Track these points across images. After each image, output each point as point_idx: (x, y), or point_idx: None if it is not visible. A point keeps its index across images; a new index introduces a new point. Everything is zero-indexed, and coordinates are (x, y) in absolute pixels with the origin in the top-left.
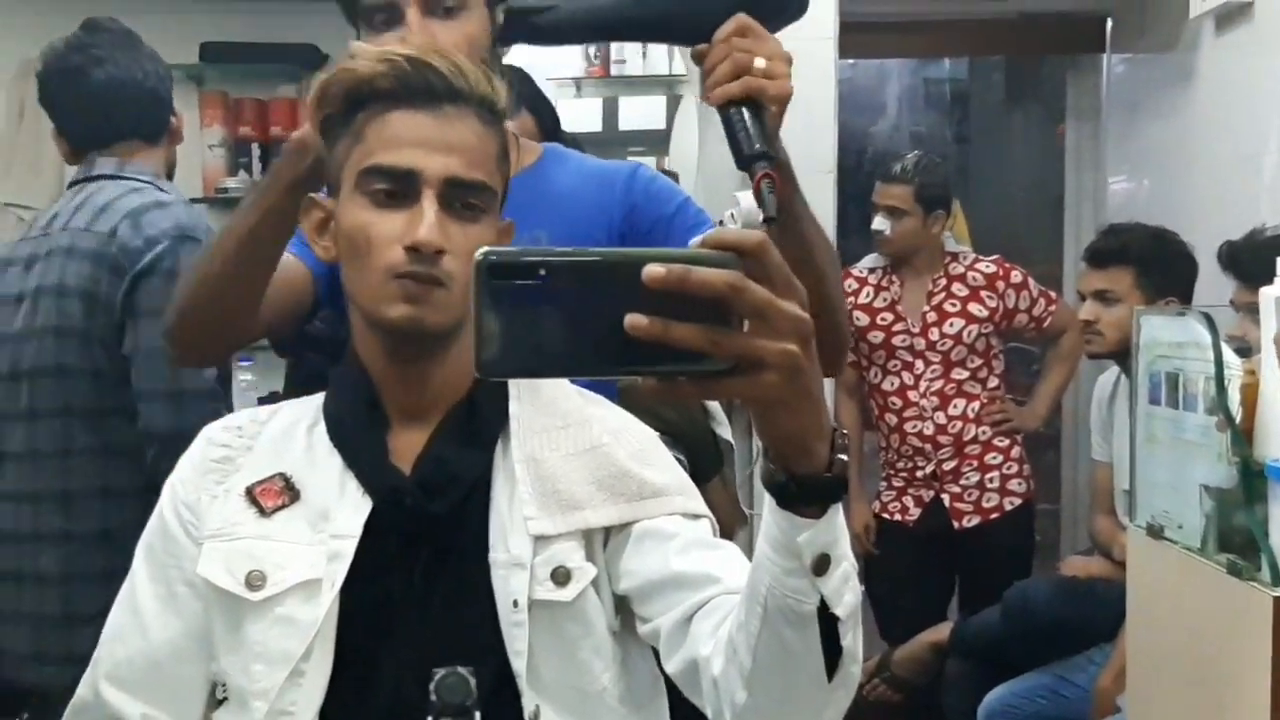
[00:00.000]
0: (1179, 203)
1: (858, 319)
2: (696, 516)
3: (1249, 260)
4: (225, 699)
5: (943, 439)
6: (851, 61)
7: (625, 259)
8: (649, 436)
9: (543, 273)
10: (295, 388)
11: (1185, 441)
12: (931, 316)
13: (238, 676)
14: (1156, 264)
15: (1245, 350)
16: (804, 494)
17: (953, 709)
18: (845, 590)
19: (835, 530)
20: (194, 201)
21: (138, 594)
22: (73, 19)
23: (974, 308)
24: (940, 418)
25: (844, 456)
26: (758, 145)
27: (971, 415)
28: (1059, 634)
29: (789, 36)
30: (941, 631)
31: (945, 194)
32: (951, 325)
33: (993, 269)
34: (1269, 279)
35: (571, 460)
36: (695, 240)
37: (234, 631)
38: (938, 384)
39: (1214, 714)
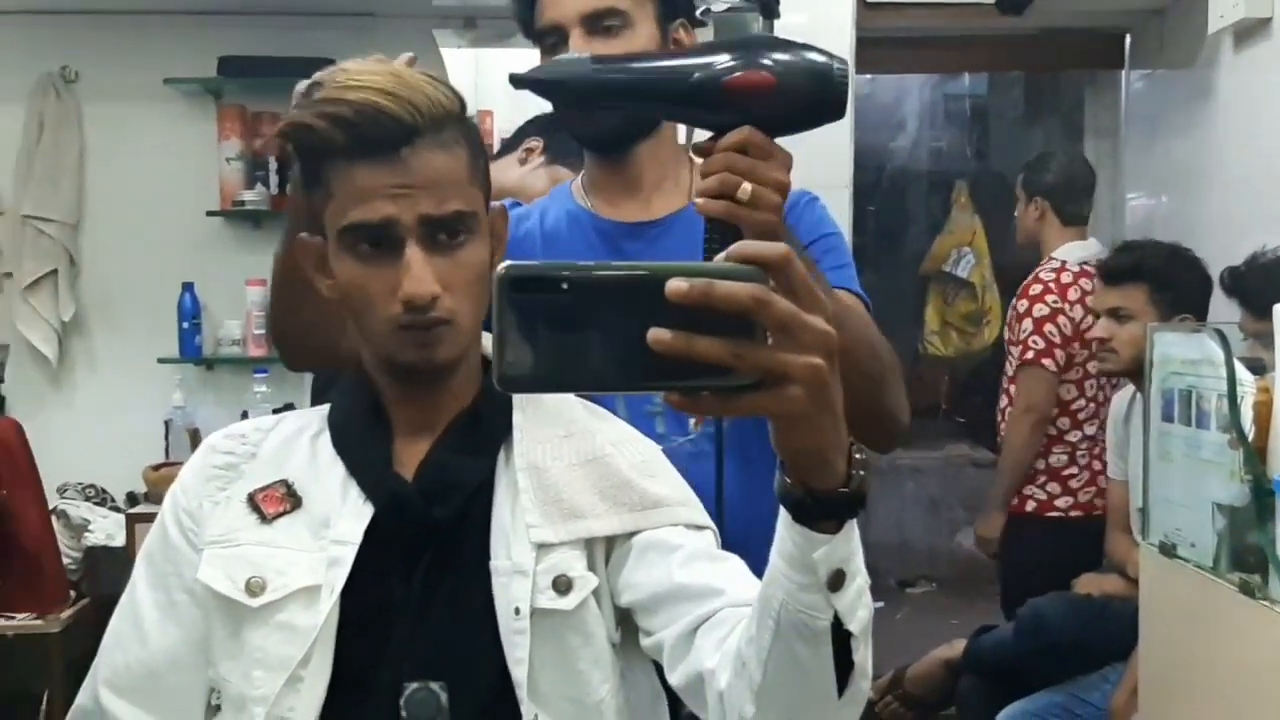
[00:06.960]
0: (1197, 220)
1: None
2: (700, 528)
3: (1252, 285)
4: (220, 705)
5: None
6: (870, 77)
7: (649, 272)
8: (652, 449)
9: (565, 286)
10: (319, 397)
11: (1199, 459)
12: None
13: (237, 682)
14: (1170, 281)
15: (1259, 367)
16: (822, 509)
17: None
18: (859, 606)
19: (851, 546)
20: (210, 215)
21: (137, 602)
22: (90, 32)
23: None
24: None
25: (862, 472)
26: None
27: None
28: (1072, 652)
29: None
30: (955, 648)
31: None
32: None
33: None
34: (1275, 300)
35: (574, 470)
36: (720, 255)
37: (233, 637)
38: None
39: None
